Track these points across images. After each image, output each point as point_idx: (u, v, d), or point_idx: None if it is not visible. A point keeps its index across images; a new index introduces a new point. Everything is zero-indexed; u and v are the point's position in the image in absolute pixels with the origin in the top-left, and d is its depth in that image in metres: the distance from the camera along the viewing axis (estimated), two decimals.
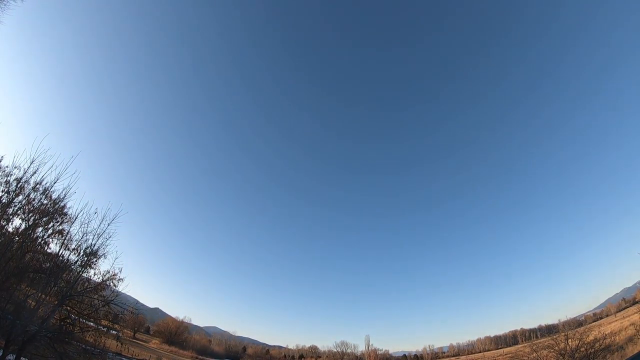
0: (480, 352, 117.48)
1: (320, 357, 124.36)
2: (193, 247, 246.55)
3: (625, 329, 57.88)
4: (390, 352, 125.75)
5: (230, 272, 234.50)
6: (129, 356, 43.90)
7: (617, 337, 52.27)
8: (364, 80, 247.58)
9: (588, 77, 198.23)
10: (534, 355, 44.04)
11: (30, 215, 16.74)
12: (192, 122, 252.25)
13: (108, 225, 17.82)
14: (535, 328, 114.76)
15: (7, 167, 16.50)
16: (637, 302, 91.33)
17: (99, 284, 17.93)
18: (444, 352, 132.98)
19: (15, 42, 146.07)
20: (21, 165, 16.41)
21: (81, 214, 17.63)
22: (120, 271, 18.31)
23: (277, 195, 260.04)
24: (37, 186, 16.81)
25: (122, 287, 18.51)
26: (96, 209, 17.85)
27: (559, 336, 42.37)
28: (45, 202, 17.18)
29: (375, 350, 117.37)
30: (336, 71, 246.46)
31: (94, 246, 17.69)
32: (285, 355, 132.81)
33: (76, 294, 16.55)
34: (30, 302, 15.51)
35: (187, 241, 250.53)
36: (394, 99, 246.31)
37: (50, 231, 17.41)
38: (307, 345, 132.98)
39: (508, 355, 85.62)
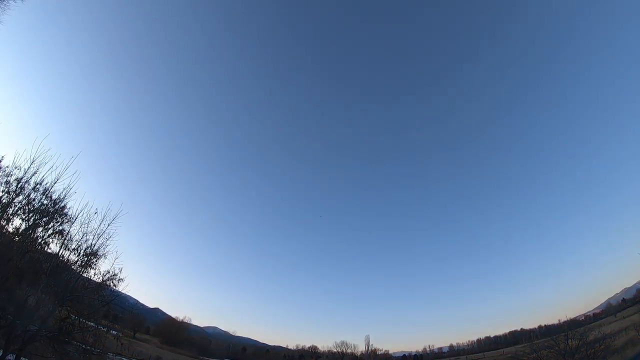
0: (481, 352, 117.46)
1: (320, 357, 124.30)
2: (193, 247, 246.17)
3: (626, 329, 57.83)
4: (390, 352, 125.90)
5: (230, 272, 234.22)
6: (129, 356, 43.91)
7: (617, 338, 52.24)
8: (364, 79, 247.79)
9: (591, 75, 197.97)
10: (534, 355, 44.12)
11: (30, 215, 16.74)
12: (192, 122, 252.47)
13: (108, 225, 17.90)
14: (535, 328, 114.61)
15: (7, 167, 16.55)
16: (637, 302, 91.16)
17: (99, 284, 17.95)
18: (444, 353, 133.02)
19: (16, 42, 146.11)
20: (21, 166, 16.46)
21: (81, 214, 17.72)
22: (120, 271, 18.40)
23: (275, 195, 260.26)
24: (38, 186, 16.83)
25: (122, 287, 18.59)
26: (96, 209, 17.94)
27: (559, 336, 42.47)
28: (45, 202, 17.20)
29: (375, 350, 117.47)
30: (339, 70, 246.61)
31: (94, 246, 17.75)
32: (285, 355, 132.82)
33: (76, 294, 16.57)
34: (30, 302, 15.51)
35: (187, 241, 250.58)
36: (396, 91, 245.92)
37: (50, 231, 17.41)
38: (307, 345, 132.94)
39: (508, 355, 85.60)
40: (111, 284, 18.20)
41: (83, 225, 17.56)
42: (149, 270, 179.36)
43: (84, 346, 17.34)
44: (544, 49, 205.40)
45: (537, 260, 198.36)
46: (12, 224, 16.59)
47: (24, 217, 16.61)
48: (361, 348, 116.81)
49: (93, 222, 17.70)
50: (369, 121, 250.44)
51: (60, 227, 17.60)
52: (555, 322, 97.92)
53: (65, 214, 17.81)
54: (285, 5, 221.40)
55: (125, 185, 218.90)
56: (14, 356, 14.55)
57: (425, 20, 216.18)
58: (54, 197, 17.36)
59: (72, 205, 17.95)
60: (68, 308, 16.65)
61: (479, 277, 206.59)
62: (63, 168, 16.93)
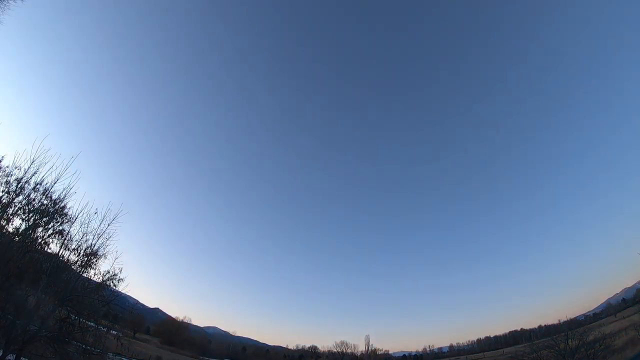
0: (481, 352, 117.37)
1: (320, 357, 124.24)
2: (193, 247, 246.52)
3: (626, 329, 57.81)
4: (390, 352, 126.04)
5: (230, 272, 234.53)
6: (129, 356, 43.87)
7: (617, 338, 52.20)
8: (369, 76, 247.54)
9: (592, 75, 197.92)
10: (534, 355, 44.07)
11: (30, 215, 16.69)
12: (192, 122, 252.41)
13: (108, 225, 17.88)
14: (535, 328, 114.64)
15: (7, 167, 16.46)
16: (637, 302, 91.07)
17: (99, 284, 17.93)
18: (444, 353, 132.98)
19: (16, 42, 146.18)
20: (21, 166, 16.38)
21: (81, 214, 17.67)
22: (120, 271, 18.36)
23: (276, 196, 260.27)
24: (38, 186, 16.78)
25: (122, 287, 18.55)
26: (96, 209, 17.90)
27: (559, 336, 42.45)
28: (45, 202, 17.14)
29: (375, 350, 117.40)
30: (340, 66, 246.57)
31: (94, 246, 17.73)
32: (285, 355, 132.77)
33: (76, 294, 16.55)
34: (30, 302, 15.50)
35: (187, 241, 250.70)
36: (395, 94, 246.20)
37: (50, 231, 17.36)
38: (307, 345, 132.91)
39: (508, 355, 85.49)
40: (111, 284, 18.16)
41: (83, 225, 17.55)
42: (149, 270, 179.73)
43: (84, 346, 17.31)
44: (546, 49, 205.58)
45: (537, 260, 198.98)
46: (12, 224, 16.53)
47: (24, 217, 16.56)
48: (361, 348, 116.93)
49: (93, 222, 17.68)
50: (370, 122, 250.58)
51: (60, 227, 17.56)
52: (555, 322, 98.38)
53: (65, 214, 17.77)
54: (286, 6, 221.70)
55: (125, 185, 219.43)
56: (14, 356, 14.53)
57: (428, 19, 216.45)
58: (54, 197, 17.32)
59: (72, 205, 17.91)
60: (68, 308, 16.62)
61: (479, 277, 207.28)
62: (63, 168, 16.90)
